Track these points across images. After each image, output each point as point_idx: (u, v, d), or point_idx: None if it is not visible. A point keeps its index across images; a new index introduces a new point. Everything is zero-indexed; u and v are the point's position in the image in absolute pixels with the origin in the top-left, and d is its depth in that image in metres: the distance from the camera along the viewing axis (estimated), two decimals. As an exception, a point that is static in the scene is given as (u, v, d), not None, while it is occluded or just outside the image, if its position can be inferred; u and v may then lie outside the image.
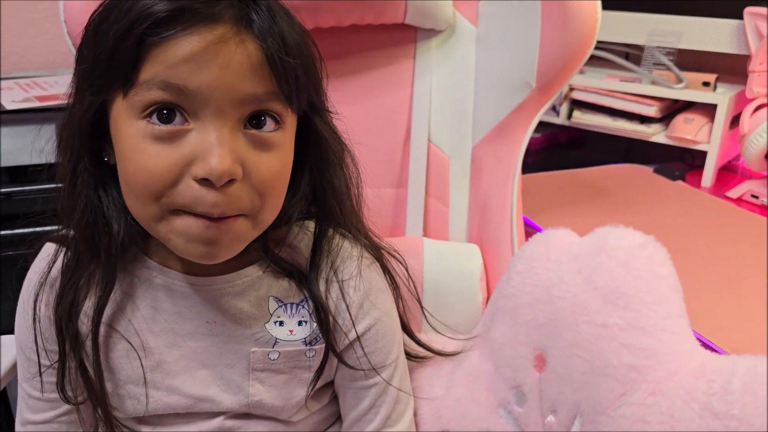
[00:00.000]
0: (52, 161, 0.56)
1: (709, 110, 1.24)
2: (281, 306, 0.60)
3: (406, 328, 0.67)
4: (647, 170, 1.31)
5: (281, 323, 0.60)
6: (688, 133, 1.25)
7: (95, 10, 0.51)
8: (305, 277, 0.60)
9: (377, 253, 0.64)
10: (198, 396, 0.60)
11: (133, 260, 0.59)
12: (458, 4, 0.84)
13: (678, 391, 0.53)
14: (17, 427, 0.63)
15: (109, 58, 0.49)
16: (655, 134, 1.30)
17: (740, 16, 1.18)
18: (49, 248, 0.59)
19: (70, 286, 0.57)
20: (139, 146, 0.49)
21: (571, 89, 1.37)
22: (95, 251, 0.55)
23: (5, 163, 0.96)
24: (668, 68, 1.28)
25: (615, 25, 1.30)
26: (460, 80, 0.84)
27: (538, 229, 0.98)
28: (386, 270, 0.64)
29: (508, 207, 0.80)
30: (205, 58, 0.47)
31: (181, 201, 0.49)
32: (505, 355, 0.66)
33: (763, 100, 1.17)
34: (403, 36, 0.85)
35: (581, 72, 1.34)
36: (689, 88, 1.26)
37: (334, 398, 0.67)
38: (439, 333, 0.70)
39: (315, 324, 0.60)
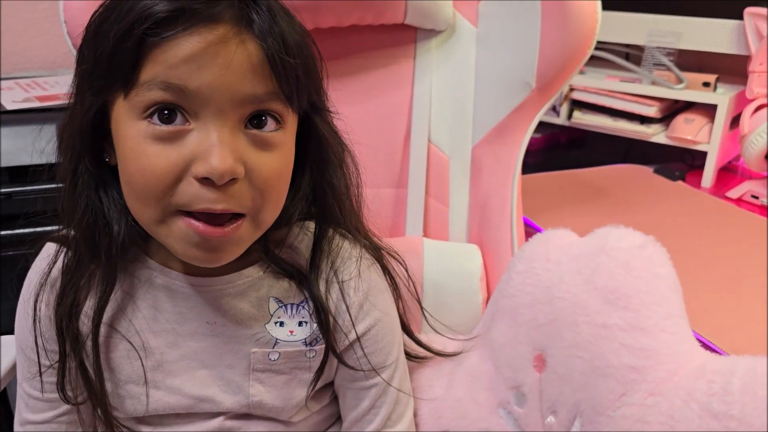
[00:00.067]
0: (53, 161, 0.56)
1: (709, 110, 1.25)
2: (281, 307, 0.60)
3: (406, 329, 0.67)
4: (647, 170, 1.31)
5: (281, 324, 0.60)
6: (689, 134, 1.25)
7: (96, 11, 0.51)
8: (305, 278, 0.60)
9: (377, 253, 0.64)
10: (198, 396, 0.60)
11: (133, 260, 0.59)
12: (458, 5, 0.84)
13: (678, 391, 0.53)
14: (16, 426, 0.63)
15: (109, 58, 0.49)
16: (656, 134, 1.30)
17: (740, 17, 1.18)
18: (49, 248, 0.59)
19: (71, 287, 0.57)
20: (140, 147, 0.49)
21: (572, 89, 1.37)
22: (96, 252, 0.55)
23: (5, 163, 0.96)
24: (668, 68, 1.28)
25: (615, 26, 1.30)
26: (460, 80, 0.84)
27: (538, 230, 0.98)
28: (386, 270, 0.64)
29: (508, 207, 0.81)
30: (206, 58, 0.47)
31: (181, 200, 0.49)
32: (505, 355, 0.66)
33: (763, 101, 1.17)
34: (403, 36, 0.85)
35: (581, 72, 1.34)
36: (689, 89, 1.26)
37: (334, 399, 0.67)
38: (439, 333, 0.70)
39: (315, 325, 0.60)
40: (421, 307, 0.70)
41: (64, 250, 0.58)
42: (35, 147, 0.57)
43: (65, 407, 0.61)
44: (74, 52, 0.66)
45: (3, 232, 0.96)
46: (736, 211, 1.14)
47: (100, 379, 0.58)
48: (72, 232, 0.57)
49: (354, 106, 0.75)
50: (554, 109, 1.39)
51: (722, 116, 1.22)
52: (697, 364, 0.54)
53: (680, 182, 1.26)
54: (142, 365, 0.59)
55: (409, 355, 0.68)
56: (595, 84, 1.34)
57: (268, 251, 0.59)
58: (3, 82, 1.15)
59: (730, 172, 1.32)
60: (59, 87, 1.14)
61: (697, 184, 1.26)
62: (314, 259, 0.60)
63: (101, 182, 0.55)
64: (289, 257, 0.60)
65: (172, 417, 0.61)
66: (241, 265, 0.58)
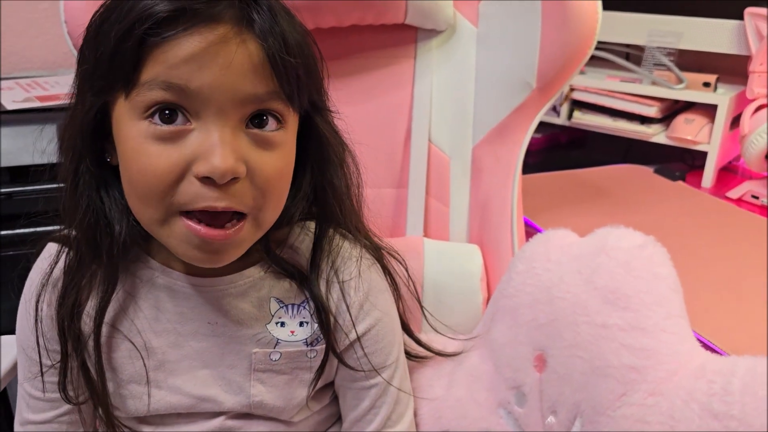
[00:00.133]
0: (54, 161, 0.56)
1: (709, 111, 1.25)
2: (282, 307, 0.60)
3: (406, 328, 0.67)
4: (647, 171, 1.31)
5: (282, 324, 0.60)
6: (689, 134, 1.25)
7: (96, 11, 0.51)
8: (306, 278, 0.60)
9: (377, 253, 0.64)
10: (200, 396, 0.60)
11: (135, 261, 0.59)
12: (459, 5, 0.84)
13: (678, 391, 0.53)
14: (17, 426, 0.63)
15: (110, 58, 0.49)
16: (656, 135, 1.30)
17: (741, 17, 1.18)
18: (51, 248, 0.59)
19: (73, 287, 0.57)
20: (141, 147, 0.49)
21: (572, 89, 1.37)
22: (97, 252, 0.55)
23: (6, 163, 0.96)
24: (669, 69, 1.28)
25: (615, 26, 1.30)
26: (461, 80, 0.84)
27: (538, 230, 0.98)
28: (386, 270, 0.64)
29: (509, 207, 0.81)
30: (206, 58, 0.47)
31: (183, 200, 0.49)
32: (506, 355, 0.66)
33: (764, 101, 1.17)
34: (404, 36, 0.85)
35: (582, 72, 1.34)
36: (690, 89, 1.26)
37: (335, 398, 0.67)
38: (440, 333, 0.70)
39: (316, 325, 0.60)
40: (422, 307, 0.70)
41: (66, 250, 0.58)
42: (36, 147, 0.57)
43: (66, 407, 0.61)
44: (75, 53, 0.66)
45: (3, 232, 0.96)
46: (736, 212, 1.14)
47: (102, 379, 0.58)
48: (73, 232, 0.57)
49: (354, 106, 0.75)
50: (554, 109, 1.39)
51: (722, 116, 1.22)
52: (698, 364, 0.54)
53: (680, 182, 1.26)
54: (144, 365, 0.59)
55: (409, 355, 0.68)
56: (596, 84, 1.34)
57: (269, 251, 0.59)
58: (3, 82, 1.16)
59: (730, 173, 1.32)
60: (59, 87, 1.14)
61: (697, 185, 1.26)
62: (315, 259, 0.60)
63: (102, 182, 0.55)
64: (290, 257, 0.60)
65: (173, 417, 0.61)
66: (243, 265, 0.59)
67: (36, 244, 0.60)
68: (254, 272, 0.59)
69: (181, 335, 0.59)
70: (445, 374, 0.70)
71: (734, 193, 1.21)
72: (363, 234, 0.64)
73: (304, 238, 0.61)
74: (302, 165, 0.58)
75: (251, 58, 0.48)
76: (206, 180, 0.48)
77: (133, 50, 0.47)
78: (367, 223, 0.65)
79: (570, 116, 1.39)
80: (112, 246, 0.55)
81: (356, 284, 0.61)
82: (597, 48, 0.79)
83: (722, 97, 1.22)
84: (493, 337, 0.68)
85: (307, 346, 0.60)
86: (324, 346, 0.60)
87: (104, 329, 0.58)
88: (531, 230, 0.95)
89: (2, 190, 0.97)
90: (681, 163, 1.34)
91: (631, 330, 0.56)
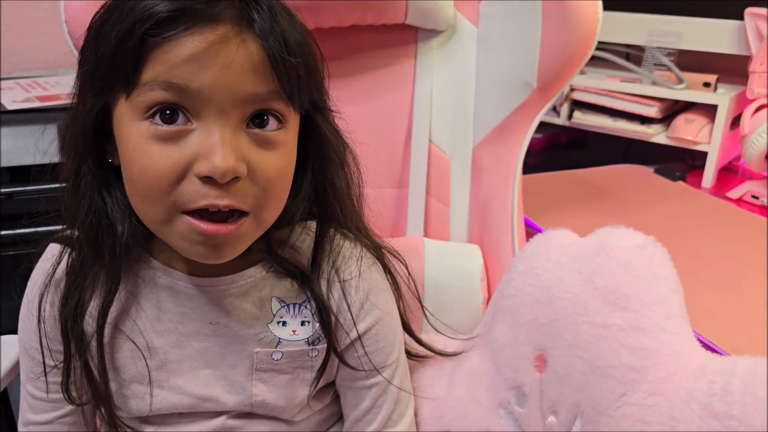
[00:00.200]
0: (54, 161, 0.56)
1: (709, 111, 1.25)
2: (284, 306, 0.60)
3: (407, 328, 0.68)
4: (648, 171, 1.31)
5: (284, 323, 0.60)
6: (689, 134, 1.25)
7: (97, 12, 0.51)
8: (307, 278, 0.60)
9: (378, 253, 0.64)
10: (201, 395, 0.60)
11: (137, 261, 0.59)
12: (459, 5, 0.84)
13: (678, 391, 0.53)
14: (20, 427, 0.63)
15: (111, 59, 0.49)
16: (656, 135, 1.30)
17: (741, 17, 1.18)
18: (53, 249, 0.59)
19: (75, 287, 0.57)
20: (142, 147, 0.49)
21: (572, 90, 1.37)
22: (99, 252, 0.55)
23: (6, 163, 0.96)
24: (669, 69, 1.28)
25: (615, 26, 1.30)
26: (461, 80, 0.84)
27: (538, 230, 0.98)
28: (387, 270, 0.65)
29: (509, 207, 0.81)
30: (207, 58, 0.47)
31: (184, 198, 0.49)
32: (506, 355, 0.66)
33: (764, 101, 1.17)
34: (404, 36, 0.85)
35: (582, 72, 1.34)
36: (690, 89, 1.26)
37: (336, 398, 0.67)
38: (440, 333, 0.70)
39: (317, 324, 0.60)
40: (422, 307, 0.70)
41: (68, 250, 0.58)
42: (37, 147, 0.57)
43: (68, 408, 0.61)
44: (75, 53, 0.67)
45: (4, 232, 0.96)
46: (736, 212, 1.14)
47: (105, 379, 0.59)
48: (75, 233, 0.57)
49: (355, 106, 0.75)
50: (555, 110, 1.39)
51: (722, 116, 1.22)
52: (698, 364, 0.54)
53: (680, 182, 1.26)
54: (146, 365, 0.59)
55: (410, 355, 0.68)
56: (596, 84, 1.34)
57: (270, 251, 0.59)
58: (3, 82, 1.16)
59: (730, 173, 1.32)
60: (60, 87, 1.14)
61: (697, 185, 1.26)
62: (316, 258, 0.60)
63: (104, 183, 0.55)
64: (291, 257, 0.60)
65: (175, 416, 0.61)
66: (244, 265, 0.59)
67: (37, 244, 0.60)
68: (256, 272, 0.59)
69: (183, 335, 0.59)
70: (446, 374, 0.70)
71: (734, 193, 1.21)
72: (364, 233, 0.64)
73: (305, 237, 0.61)
74: (303, 165, 0.58)
75: (251, 57, 0.49)
76: (207, 179, 0.48)
77: (133, 50, 0.47)
78: (368, 222, 0.65)
79: (570, 116, 1.39)
80: (114, 246, 0.55)
81: (357, 283, 0.61)
82: (597, 48, 0.79)
83: (722, 98, 1.22)
84: (493, 337, 0.68)
85: (309, 345, 0.60)
86: (325, 345, 0.60)
87: (107, 329, 0.58)
88: (531, 230, 0.95)
89: (3, 190, 0.97)
90: (681, 163, 1.34)
91: (631, 330, 0.56)
